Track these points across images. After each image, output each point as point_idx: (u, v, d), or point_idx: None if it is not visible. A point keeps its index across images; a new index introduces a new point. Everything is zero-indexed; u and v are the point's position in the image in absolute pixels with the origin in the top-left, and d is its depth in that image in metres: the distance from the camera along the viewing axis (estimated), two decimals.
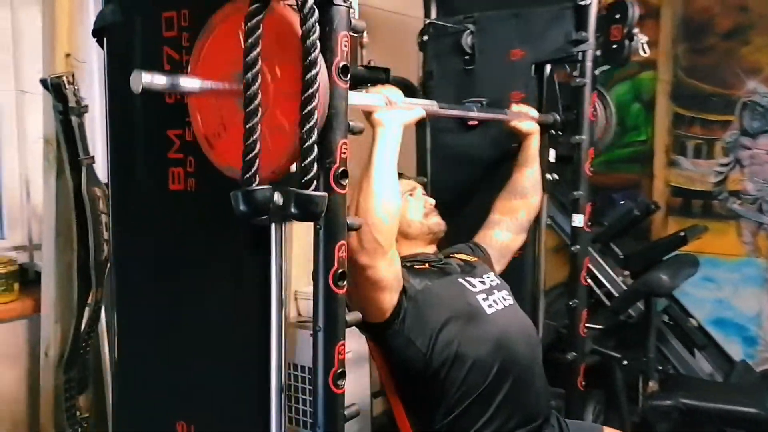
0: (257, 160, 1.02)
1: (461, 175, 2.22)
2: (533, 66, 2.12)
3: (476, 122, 2.20)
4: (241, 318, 1.28)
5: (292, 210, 1.00)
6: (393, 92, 1.44)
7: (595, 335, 3.07)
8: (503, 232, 1.93)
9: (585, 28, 2.02)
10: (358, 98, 1.38)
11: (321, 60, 1.04)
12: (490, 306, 1.63)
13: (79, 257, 1.82)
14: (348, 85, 1.13)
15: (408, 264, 1.68)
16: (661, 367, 2.69)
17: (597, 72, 2.08)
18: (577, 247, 2.11)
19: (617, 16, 2.01)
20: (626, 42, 1.99)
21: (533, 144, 1.97)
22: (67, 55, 1.80)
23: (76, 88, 1.78)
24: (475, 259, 1.83)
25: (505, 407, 1.56)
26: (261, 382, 1.25)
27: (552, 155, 2.12)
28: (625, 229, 3.24)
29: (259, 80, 1.02)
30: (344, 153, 1.12)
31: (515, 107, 1.97)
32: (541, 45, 2.09)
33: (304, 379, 2.58)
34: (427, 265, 1.70)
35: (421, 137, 2.22)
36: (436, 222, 1.76)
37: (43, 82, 1.79)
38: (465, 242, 1.92)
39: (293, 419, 2.63)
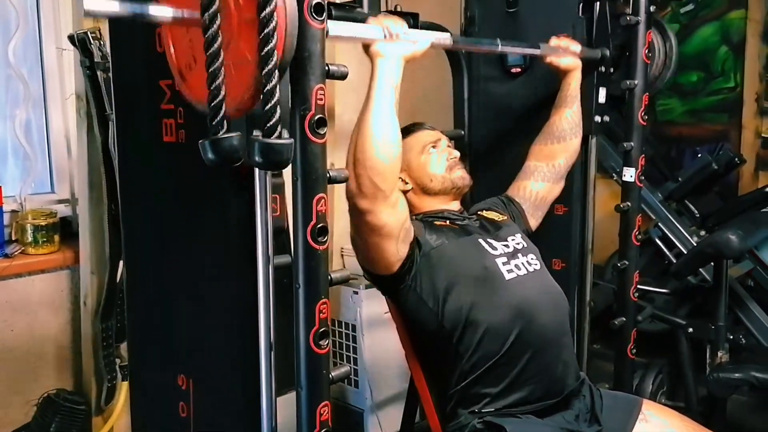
0: (223, 107, 0.96)
1: (503, 127, 2.08)
2: (581, 4, 1.93)
3: (519, 69, 2.05)
4: (230, 272, 1.25)
5: (256, 159, 0.94)
6: (395, 23, 1.32)
7: (666, 300, 2.89)
8: (539, 181, 1.79)
9: None
10: (352, 30, 1.27)
11: None
12: (510, 271, 1.52)
13: (110, 210, 1.85)
14: (324, 26, 1.04)
15: (428, 219, 1.59)
16: (732, 336, 2.47)
17: (653, 9, 1.88)
18: (628, 204, 1.94)
19: None
20: None
21: (573, 82, 1.79)
22: None
23: (101, 43, 1.78)
24: (504, 218, 1.71)
25: (526, 378, 1.46)
26: (249, 338, 1.22)
27: (602, 95, 1.93)
28: (703, 186, 2.98)
29: (219, 20, 0.95)
30: (320, 99, 1.04)
31: (554, 41, 1.78)
32: None
33: (348, 335, 2.57)
34: (448, 222, 1.60)
35: (458, 86, 2.09)
36: (460, 176, 1.65)
37: (70, 37, 1.80)
38: (497, 197, 1.80)
39: None
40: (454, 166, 1.65)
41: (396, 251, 1.41)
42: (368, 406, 2.55)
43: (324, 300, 1.10)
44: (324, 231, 1.07)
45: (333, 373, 1.14)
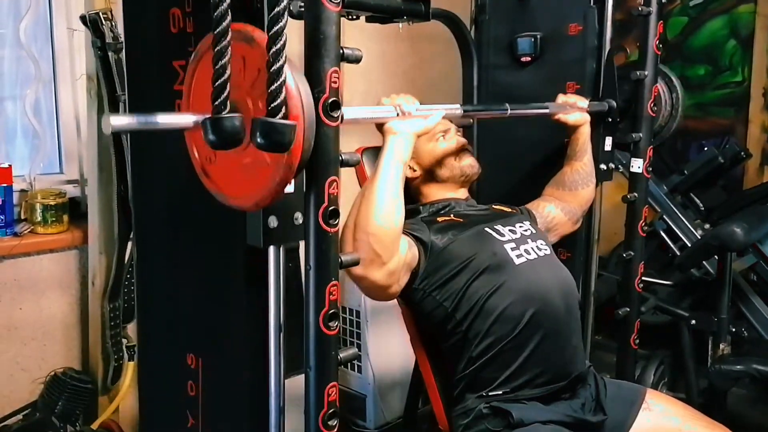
0: (227, 87, 0.96)
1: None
2: None
3: (529, 58, 2.06)
4: (240, 253, 1.26)
5: (258, 140, 0.94)
6: (407, 101, 1.36)
7: (669, 293, 2.90)
8: (558, 210, 1.81)
9: None
10: (367, 112, 1.33)
11: None
12: (519, 256, 1.53)
13: (119, 191, 1.86)
14: (340, 8, 1.05)
15: (430, 218, 1.60)
16: (734, 329, 2.48)
17: (664, 0, 1.88)
18: (635, 195, 1.94)
19: None
20: None
21: (582, 137, 1.80)
22: None
23: (113, 23, 1.78)
24: (514, 210, 1.72)
25: (534, 362, 1.47)
26: (259, 318, 1.23)
27: (608, 144, 1.95)
28: (708, 179, 2.98)
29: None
30: (335, 83, 1.05)
31: (561, 98, 1.80)
32: None
33: (352, 321, 2.58)
34: (451, 216, 1.61)
35: (467, 74, 2.09)
36: (469, 164, 1.66)
37: (82, 18, 1.80)
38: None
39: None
40: (462, 153, 1.66)
41: (398, 286, 1.43)
42: (371, 392, 2.57)
43: (334, 282, 1.11)
44: (335, 214, 1.08)
45: (341, 355, 1.15)
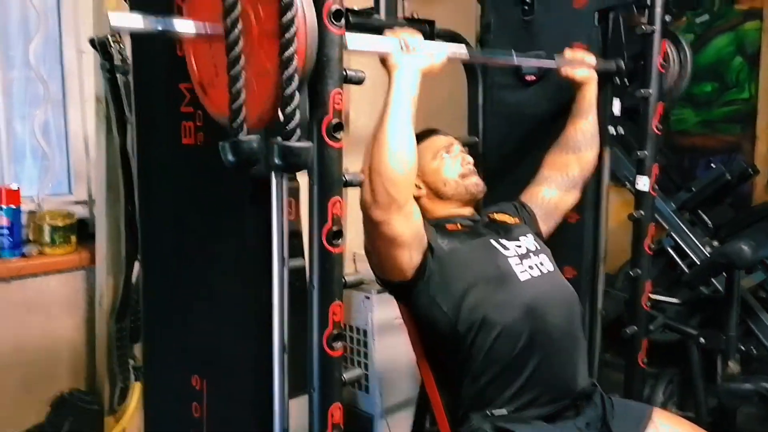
0: (243, 109, 0.98)
1: (517, 135, 2.08)
2: (597, 13, 1.94)
3: (534, 77, 2.06)
4: (245, 275, 1.26)
5: (276, 161, 0.95)
6: (412, 35, 1.34)
7: (677, 311, 2.88)
8: (552, 189, 1.79)
9: None
10: (369, 43, 1.30)
11: (304, 2, 0.98)
12: (523, 271, 1.53)
13: (126, 212, 1.87)
14: (343, 31, 1.06)
15: (439, 224, 1.60)
16: (743, 347, 2.45)
17: (668, 18, 1.88)
18: (641, 212, 1.94)
19: None
20: None
21: (588, 94, 1.79)
22: None
23: (121, 46, 1.81)
24: (516, 220, 1.72)
25: (537, 380, 1.46)
26: (263, 340, 1.23)
27: (616, 107, 1.93)
28: (716, 196, 2.97)
29: (240, 25, 0.97)
30: (338, 104, 1.06)
31: (568, 53, 1.79)
32: None
33: (359, 341, 2.58)
34: (459, 225, 1.61)
35: (472, 93, 2.10)
36: (474, 182, 1.66)
37: (91, 41, 1.83)
38: (509, 201, 1.81)
39: None
40: (468, 172, 1.66)
41: (410, 260, 1.42)
42: (378, 412, 2.56)
43: (338, 302, 1.11)
44: (339, 234, 1.09)
45: (345, 376, 1.15)
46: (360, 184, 1.16)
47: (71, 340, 2.04)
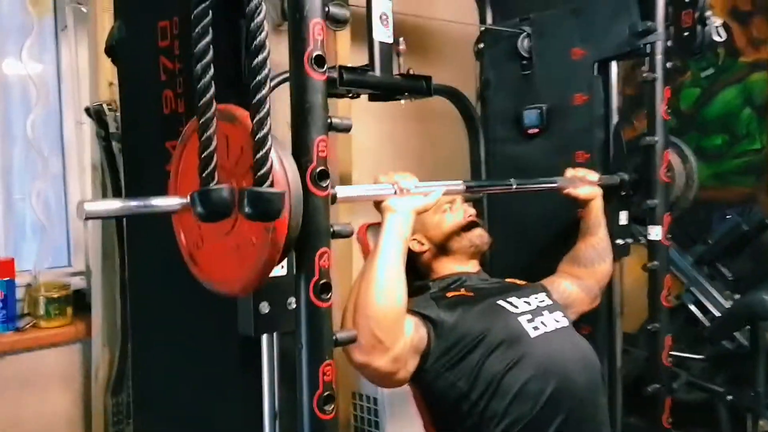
0: (214, 158, 0.94)
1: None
2: (596, 64, 1.93)
3: (537, 129, 2.04)
4: (231, 342, 1.20)
5: (246, 209, 0.90)
6: (405, 178, 1.34)
7: (702, 369, 2.74)
8: (575, 287, 1.73)
9: (652, 18, 1.81)
10: (363, 190, 1.33)
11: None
12: (535, 328, 1.44)
13: (122, 279, 1.83)
14: (326, 77, 1.03)
15: (439, 293, 1.54)
16: None
17: (669, 65, 1.86)
18: (656, 263, 1.86)
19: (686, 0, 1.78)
20: (698, 28, 1.76)
21: (594, 211, 1.76)
22: (110, 84, 1.84)
23: (116, 114, 1.81)
24: (527, 284, 1.65)
25: None
26: (255, 407, 1.16)
27: (623, 218, 1.91)
28: (734, 248, 2.87)
29: (211, 71, 0.94)
30: (322, 151, 1.02)
31: (570, 171, 1.76)
32: (604, 41, 1.89)
33: (370, 409, 2.46)
34: (462, 290, 1.54)
35: (474, 147, 2.07)
36: (479, 234, 1.61)
37: (87, 110, 1.84)
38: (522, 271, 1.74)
39: None
40: (471, 224, 1.61)
41: (406, 372, 1.36)
42: None
43: (329, 362, 1.04)
44: (327, 287, 1.03)
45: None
46: (351, 233, 1.10)
47: (67, 416, 1.96)
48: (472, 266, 1.62)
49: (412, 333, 1.34)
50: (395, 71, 1.81)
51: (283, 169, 0.96)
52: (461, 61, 2.31)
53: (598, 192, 1.75)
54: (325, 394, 1.03)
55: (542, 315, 1.49)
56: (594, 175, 1.75)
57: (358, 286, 1.28)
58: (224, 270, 1.04)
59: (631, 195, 1.92)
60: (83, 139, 2.10)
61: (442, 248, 1.60)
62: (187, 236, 1.11)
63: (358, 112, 2.52)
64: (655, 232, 1.86)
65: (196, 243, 1.09)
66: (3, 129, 2.04)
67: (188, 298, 1.30)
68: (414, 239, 1.61)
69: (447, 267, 1.60)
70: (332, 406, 1.04)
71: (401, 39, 1.85)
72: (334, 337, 1.06)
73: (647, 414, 1.93)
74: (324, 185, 1.02)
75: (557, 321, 1.50)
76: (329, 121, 1.05)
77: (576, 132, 1.96)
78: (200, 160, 0.94)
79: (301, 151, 1.01)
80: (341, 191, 1.15)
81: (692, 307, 2.79)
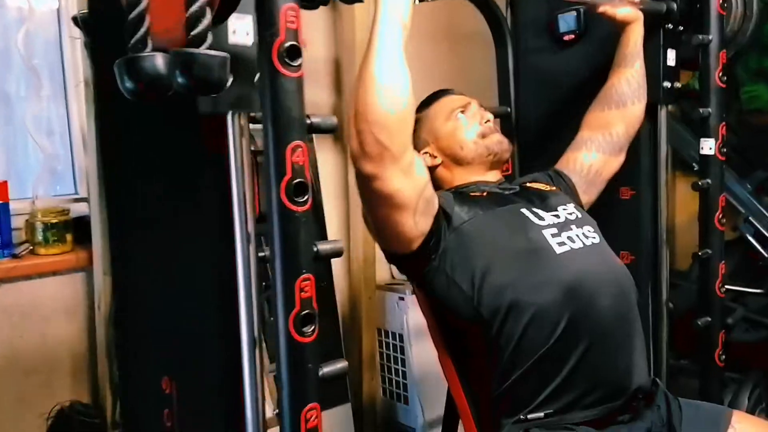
0: (146, 17, 0.76)
1: (555, 104, 1.83)
2: None
3: (573, 36, 1.80)
4: (206, 266, 1.06)
5: (178, 78, 0.73)
6: None
7: (763, 305, 2.52)
8: (593, 153, 1.52)
9: None
10: None
11: None
12: (561, 243, 1.26)
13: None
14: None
15: (460, 190, 1.36)
16: None
17: None
18: (708, 181, 1.64)
19: None
20: None
21: (632, 36, 1.52)
22: None
23: None
24: (553, 188, 1.46)
25: (582, 374, 1.19)
26: (231, 334, 1.01)
27: (671, 57, 1.65)
28: None
29: None
30: (292, 23, 0.84)
31: None
32: None
33: (395, 346, 2.33)
34: (485, 193, 1.36)
35: (501, 59, 1.85)
36: (497, 140, 1.41)
37: (74, 19, 1.68)
38: (543, 171, 1.55)
39: (386, 390, 2.39)
40: (488, 130, 1.42)
41: (414, 225, 1.18)
42: (420, 425, 2.30)
43: (306, 275, 0.88)
44: (303, 188, 0.86)
45: (324, 369, 0.92)
46: (333, 130, 0.93)
47: (71, 347, 1.87)
48: (493, 176, 1.44)
49: (427, 180, 1.19)
50: None
51: None
52: None
53: (638, 15, 1.52)
54: (303, 313, 0.87)
55: (570, 229, 1.30)
56: None
57: (356, 85, 1.10)
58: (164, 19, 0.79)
59: (680, 31, 1.66)
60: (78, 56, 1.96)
61: (457, 160, 1.41)
62: None
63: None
64: (708, 145, 1.63)
65: None
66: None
67: (162, 204, 1.17)
68: (426, 152, 1.44)
69: (465, 178, 1.42)
70: (312, 327, 0.89)
71: None
72: (314, 248, 0.90)
73: (697, 350, 1.74)
74: (295, 64, 0.85)
75: (586, 237, 1.32)
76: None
77: (619, 35, 1.72)
78: (127, 23, 0.77)
79: (266, 21, 0.83)
80: None
81: (751, 239, 2.56)
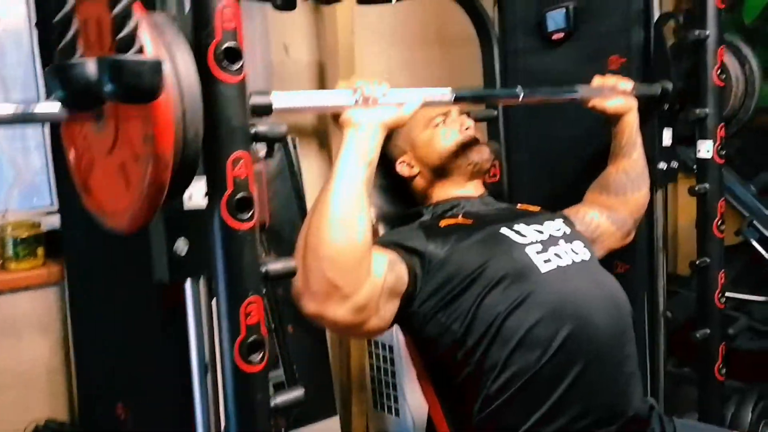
0: (72, 20, 0.69)
1: (544, 106, 1.74)
2: None
3: (562, 34, 1.72)
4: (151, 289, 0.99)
5: (107, 86, 0.66)
6: (372, 85, 1.05)
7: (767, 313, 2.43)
8: (604, 217, 1.45)
9: None
10: (310, 98, 1.04)
11: None
12: (547, 261, 1.18)
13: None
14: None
15: (432, 222, 1.29)
16: None
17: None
18: (705, 185, 1.55)
19: None
20: None
21: (627, 128, 1.45)
22: None
23: None
24: (543, 210, 1.38)
25: (572, 400, 1.11)
26: (183, 361, 0.95)
27: (667, 137, 1.59)
28: None
29: None
30: (229, 21, 0.77)
31: (598, 80, 1.44)
32: None
33: (386, 358, 2.25)
34: (460, 217, 1.28)
35: (488, 61, 1.77)
36: (477, 149, 1.34)
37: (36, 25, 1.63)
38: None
39: (377, 404, 2.32)
40: (468, 138, 1.34)
41: (380, 320, 1.11)
42: None
43: (253, 298, 0.81)
44: (247, 203, 0.79)
45: (277, 399, 0.85)
46: (281, 139, 0.86)
47: (46, 364, 1.81)
48: (474, 188, 1.36)
49: (385, 273, 1.09)
50: None
51: (163, 39, 0.71)
52: None
53: (631, 104, 1.44)
54: (250, 339, 0.80)
55: (557, 245, 1.22)
56: (627, 83, 1.44)
57: (309, 220, 1.03)
58: (113, 198, 0.82)
59: (677, 109, 1.60)
60: None
61: (436, 170, 1.34)
62: (78, 155, 0.89)
63: (367, 35, 2.25)
64: (705, 148, 1.55)
65: (88, 164, 0.87)
66: None
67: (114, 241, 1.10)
68: (402, 161, 1.36)
69: (443, 191, 1.35)
70: (260, 354, 0.81)
71: None
72: (263, 269, 0.83)
73: (695, 362, 1.66)
74: (235, 68, 0.78)
75: (576, 252, 1.23)
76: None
77: (609, 33, 1.65)
78: (55, 25, 0.70)
79: (200, 20, 0.77)
80: (279, 99, 0.91)
81: (755, 244, 2.47)
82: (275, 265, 0.84)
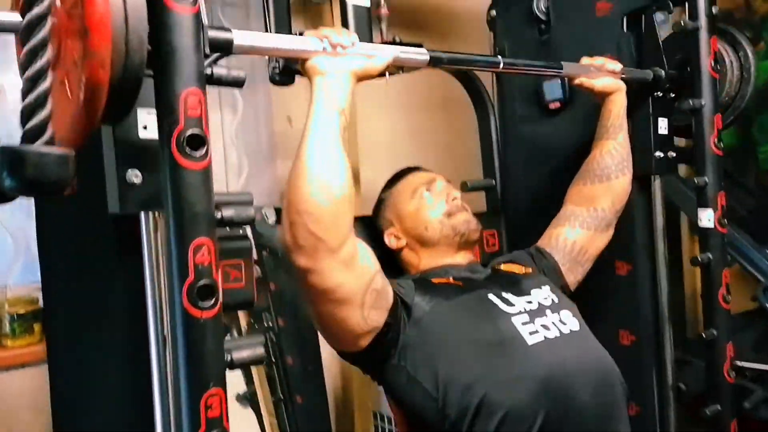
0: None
1: (542, 175, 1.73)
2: (625, 19, 1.60)
3: (559, 103, 1.72)
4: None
5: (5, 180, 0.63)
6: (340, 33, 1.03)
7: None
8: (577, 228, 1.42)
9: None
10: (282, 41, 1.02)
11: None
12: (534, 333, 1.15)
13: None
14: (196, 8, 0.78)
15: (424, 277, 1.26)
16: None
17: (715, 11, 1.51)
18: (708, 255, 1.51)
19: None
20: None
21: (614, 108, 1.44)
22: None
23: None
24: (528, 270, 1.35)
25: None
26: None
27: (662, 125, 1.56)
28: None
29: None
30: (194, 110, 0.77)
31: (586, 59, 1.44)
32: None
33: (387, 431, 2.18)
34: (450, 278, 1.26)
35: (484, 129, 1.77)
36: (464, 219, 1.32)
37: None
38: (525, 249, 1.44)
39: None
40: (455, 209, 1.32)
41: (362, 320, 1.08)
42: None
43: (215, 390, 0.78)
44: (209, 291, 0.77)
45: (236, 355, 0.83)
46: (250, 222, 0.84)
47: None
48: (462, 258, 1.33)
49: (376, 270, 1.09)
50: (376, 39, 1.55)
51: None
52: (476, 35, 2.02)
53: (619, 85, 1.43)
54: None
55: (544, 316, 1.19)
56: (615, 64, 1.43)
57: (289, 175, 1.01)
58: (61, 116, 0.74)
59: (672, 98, 1.57)
60: None
61: (423, 241, 1.32)
62: None
63: (367, 101, 2.26)
64: (707, 217, 1.51)
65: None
66: None
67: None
68: (390, 234, 1.35)
69: (431, 261, 1.33)
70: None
71: (382, 2, 1.60)
72: (227, 357, 0.80)
73: None
74: (198, 155, 0.77)
75: (564, 323, 1.20)
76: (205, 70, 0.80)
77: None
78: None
79: (164, 108, 0.77)
80: (241, 36, 0.88)
81: None
82: (241, 353, 0.82)
